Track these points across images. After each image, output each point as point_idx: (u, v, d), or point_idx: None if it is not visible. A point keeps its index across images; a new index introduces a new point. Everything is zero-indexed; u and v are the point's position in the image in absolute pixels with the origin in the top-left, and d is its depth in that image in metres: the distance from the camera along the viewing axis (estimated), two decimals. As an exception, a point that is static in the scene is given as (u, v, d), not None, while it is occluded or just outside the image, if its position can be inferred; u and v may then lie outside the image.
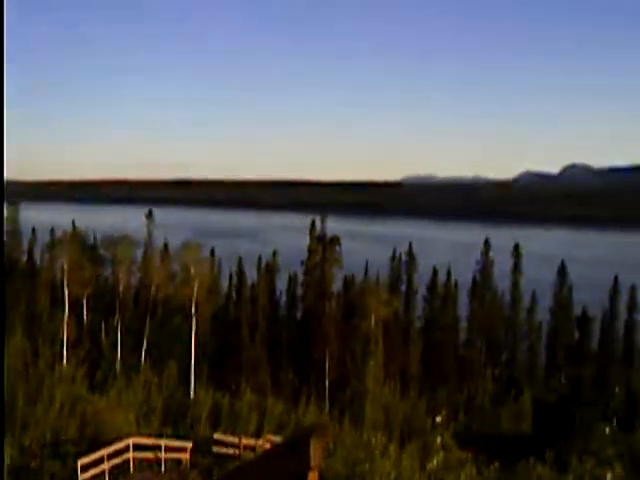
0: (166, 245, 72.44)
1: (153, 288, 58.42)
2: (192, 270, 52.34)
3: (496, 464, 31.48)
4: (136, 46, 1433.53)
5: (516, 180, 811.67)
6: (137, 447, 22.99)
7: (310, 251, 64.72)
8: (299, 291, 69.26)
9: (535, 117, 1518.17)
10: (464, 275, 72.25)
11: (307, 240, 65.44)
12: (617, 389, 61.95)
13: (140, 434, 25.91)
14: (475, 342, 69.71)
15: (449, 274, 70.64)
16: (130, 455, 22.47)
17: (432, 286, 69.76)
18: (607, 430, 42.99)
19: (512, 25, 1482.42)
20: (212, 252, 74.28)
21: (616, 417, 50.11)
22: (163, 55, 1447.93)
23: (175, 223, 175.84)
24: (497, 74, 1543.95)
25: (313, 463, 3.78)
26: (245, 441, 26.01)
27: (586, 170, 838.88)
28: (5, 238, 69.95)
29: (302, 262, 65.56)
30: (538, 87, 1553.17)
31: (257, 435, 29.28)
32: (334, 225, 72.83)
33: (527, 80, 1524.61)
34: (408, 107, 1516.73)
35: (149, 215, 71.97)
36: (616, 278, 70.88)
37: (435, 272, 70.29)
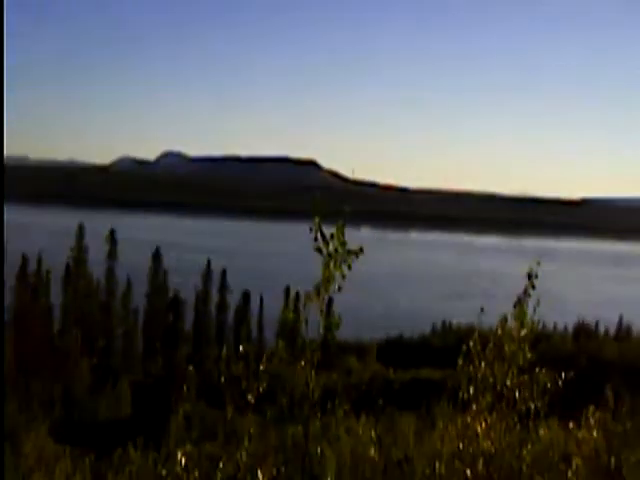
0: None
1: None
2: None
3: (91, 455, 30.51)
4: None
5: (114, 165, 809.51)
6: None
7: None
8: None
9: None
10: (59, 262, 69.27)
11: None
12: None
13: None
14: (70, 331, 67.28)
15: (39, 262, 67.20)
16: None
17: (21, 275, 65.52)
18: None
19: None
20: None
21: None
22: None
23: None
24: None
25: None
26: None
27: (181, 158, 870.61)
28: None
29: None
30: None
31: None
32: None
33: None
34: None
35: None
36: (209, 262, 74.74)
37: (25, 260, 66.16)
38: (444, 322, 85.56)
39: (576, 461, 4.93)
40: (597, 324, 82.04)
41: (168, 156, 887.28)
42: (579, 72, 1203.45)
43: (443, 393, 5.62)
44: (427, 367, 58.24)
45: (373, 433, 5.64)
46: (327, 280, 4.59)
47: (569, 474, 4.78)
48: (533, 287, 5.36)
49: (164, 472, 4.88)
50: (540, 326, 22.71)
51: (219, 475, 4.60)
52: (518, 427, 5.12)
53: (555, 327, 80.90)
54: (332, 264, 4.56)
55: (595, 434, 6.28)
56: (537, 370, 5.15)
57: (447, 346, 58.14)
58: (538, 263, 5.40)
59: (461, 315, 68.51)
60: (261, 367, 4.46)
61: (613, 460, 5.55)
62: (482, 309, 5.89)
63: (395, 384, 52.56)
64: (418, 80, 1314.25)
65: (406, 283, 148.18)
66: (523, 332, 5.17)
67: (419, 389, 43.04)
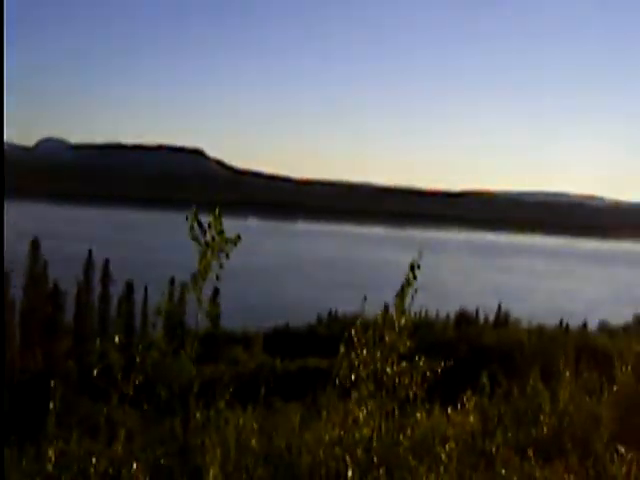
0: None
1: None
2: None
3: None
4: None
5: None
6: None
7: None
8: None
9: None
10: None
11: None
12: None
13: None
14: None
15: None
16: None
17: None
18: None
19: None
20: None
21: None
22: None
23: None
24: None
25: None
26: None
27: (62, 144, 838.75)
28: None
29: None
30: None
31: None
32: None
33: None
34: None
35: None
36: (90, 252, 72.44)
37: None
38: (330, 311, 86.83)
39: (450, 444, 5.08)
40: (477, 312, 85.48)
41: (48, 142, 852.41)
42: (486, 65, 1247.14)
43: (328, 382, 5.65)
44: (313, 356, 58.76)
45: (255, 423, 5.61)
46: (204, 270, 4.51)
47: (443, 456, 4.92)
48: (414, 277, 5.46)
49: (35, 470, 4.68)
50: (423, 314, 23.21)
51: (92, 471, 4.44)
52: (397, 413, 5.22)
53: (438, 315, 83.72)
54: (209, 253, 4.48)
55: (472, 418, 6.52)
56: (417, 358, 5.27)
57: (333, 335, 58.86)
58: (420, 253, 5.51)
59: (347, 304, 69.63)
60: (137, 358, 4.33)
61: (487, 441, 5.78)
62: (365, 298, 5.95)
63: (281, 373, 52.84)
64: (307, 71, 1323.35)
65: (293, 273, 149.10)
66: (403, 321, 5.27)
67: (306, 378, 43.41)
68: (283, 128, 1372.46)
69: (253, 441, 5.18)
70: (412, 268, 5.29)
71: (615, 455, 5.40)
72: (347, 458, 4.84)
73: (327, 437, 5.35)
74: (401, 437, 5.02)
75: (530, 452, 5.40)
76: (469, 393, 7.03)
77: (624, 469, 5.23)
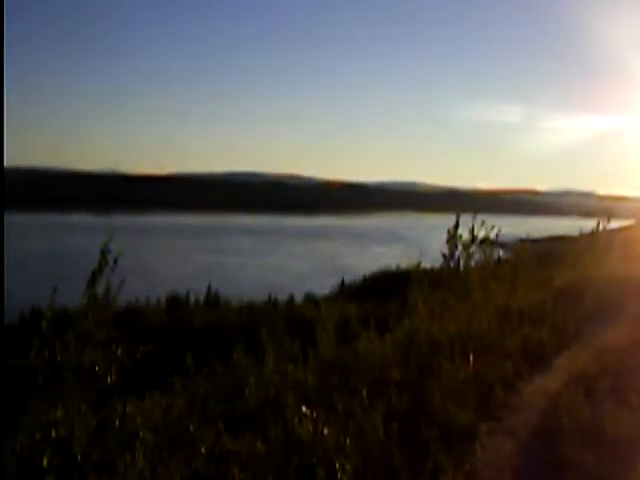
0: None
1: None
2: None
3: None
4: None
5: None
6: None
7: None
8: None
9: None
10: None
11: None
12: None
13: None
14: None
15: None
16: None
17: None
18: None
19: None
20: None
21: None
22: None
23: None
24: None
25: None
26: None
27: None
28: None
29: None
30: None
31: None
32: None
33: None
34: None
35: None
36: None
37: None
38: (33, 308, 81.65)
39: (143, 433, 5.03)
40: (188, 294, 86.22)
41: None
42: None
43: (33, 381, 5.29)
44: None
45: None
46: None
47: (137, 445, 4.84)
48: (107, 262, 5.30)
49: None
50: (133, 301, 22.32)
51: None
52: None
53: (148, 301, 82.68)
54: None
55: (179, 400, 6.53)
56: (114, 346, 5.14)
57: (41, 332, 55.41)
58: (111, 238, 5.39)
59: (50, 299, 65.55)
60: None
61: (187, 421, 5.80)
62: (55, 289, 5.64)
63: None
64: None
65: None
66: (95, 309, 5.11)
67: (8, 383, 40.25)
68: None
69: None
70: (102, 253, 5.15)
71: (303, 417, 5.76)
72: (44, 462, 4.58)
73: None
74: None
75: (220, 426, 5.56)
76: (176, 376, 7.04)
77: (310, 428, 5.59)
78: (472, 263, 12.90)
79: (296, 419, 5.72)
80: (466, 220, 12.71)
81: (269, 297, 31.37)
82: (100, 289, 5.30)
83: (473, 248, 12.71)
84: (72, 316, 5.49)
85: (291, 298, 32.57)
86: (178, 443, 5.17)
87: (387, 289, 26.01)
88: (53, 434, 4.80)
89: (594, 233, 19.99)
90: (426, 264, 12.89)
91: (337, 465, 5.14)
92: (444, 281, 12.15)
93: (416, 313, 10.36)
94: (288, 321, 17.46)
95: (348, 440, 5.58)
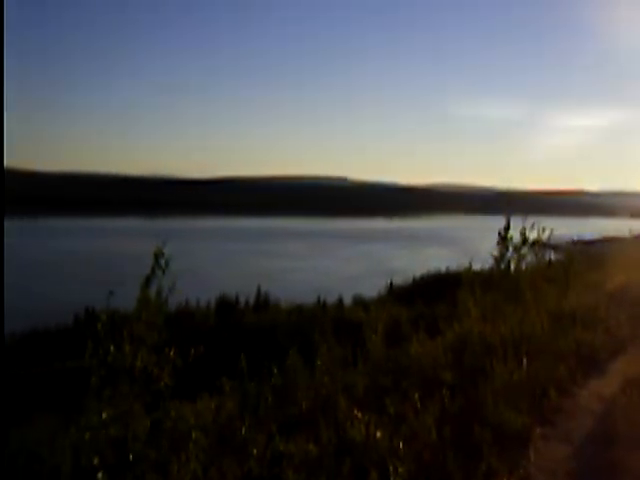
0: None
1: None
2: None
3: None
4: None
5: None
6: None
7: None
8: None
9: None
10: None
11: None
12: None
13: None
14: None
15: None
16: None
17: None
18: None
19: None
20: None
21: None
22: None
23: None
24: None
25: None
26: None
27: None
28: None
29: None
30: None
31: None
32: None
33: None
34: None
35: None
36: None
37: None
38: (87, 309, 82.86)
39: (196, 434, 5.05)
40: (237, 297, 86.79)
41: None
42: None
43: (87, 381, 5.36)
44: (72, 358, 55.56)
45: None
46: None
47: (191, 447, 4.87)
48: (160, 267, 5.34)
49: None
50: (183, 304, 22.55)
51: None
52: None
53: (198, 304, 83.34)
54: None
55: (230, 402, 6.57)
56: (167, 349, 5.17)
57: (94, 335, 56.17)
58: (164, 242, 5.43)
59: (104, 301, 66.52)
60: None
61: (239, 424, 5.83)
62: (111, 292, 5.70)
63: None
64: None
65: (43, 272, 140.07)
66: (148, 313, 5.15)
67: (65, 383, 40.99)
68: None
69: None
70: (156, 257, 5.17)
71: (355, 420, 5.74)
72: (96, 460, 4.63)
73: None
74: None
75: (274, 428, 5.56)
76: (224, 378, 7.07)
77: (363, 431, 5.56)
78: (523, 265, 12.73)
79: (348, 422, 5.71)
80: (516, 222, 12.59)
81: (318, 299, 31.32)
82: (152, 292, 5.35)
83: (524, 250, 12.55)
84: (125, 318, 5.55)
85: (340, 300, 32.45)
86: (230, 445, 5.19)
87: (436, 291, 25.79)
88: (107, 433, 4.86)
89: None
90: (475, 266, 12.77)
91: (390, 468, 5.10)
92: (495, 283, 11.99)
93: (467, 315, 10.24)
94: (337, 323, 17.41)
95: (401, 443, 5.54)
